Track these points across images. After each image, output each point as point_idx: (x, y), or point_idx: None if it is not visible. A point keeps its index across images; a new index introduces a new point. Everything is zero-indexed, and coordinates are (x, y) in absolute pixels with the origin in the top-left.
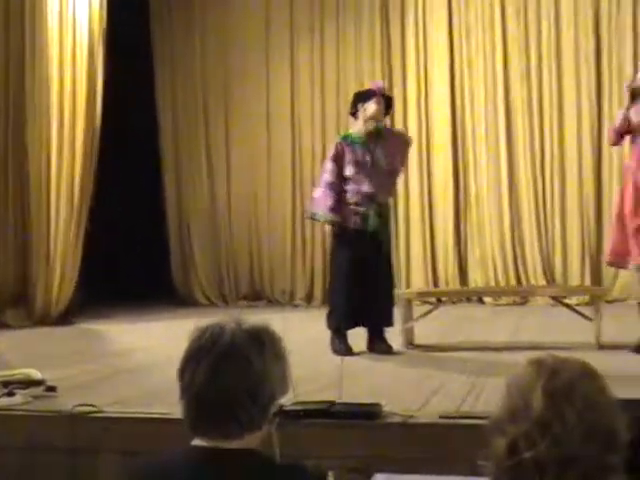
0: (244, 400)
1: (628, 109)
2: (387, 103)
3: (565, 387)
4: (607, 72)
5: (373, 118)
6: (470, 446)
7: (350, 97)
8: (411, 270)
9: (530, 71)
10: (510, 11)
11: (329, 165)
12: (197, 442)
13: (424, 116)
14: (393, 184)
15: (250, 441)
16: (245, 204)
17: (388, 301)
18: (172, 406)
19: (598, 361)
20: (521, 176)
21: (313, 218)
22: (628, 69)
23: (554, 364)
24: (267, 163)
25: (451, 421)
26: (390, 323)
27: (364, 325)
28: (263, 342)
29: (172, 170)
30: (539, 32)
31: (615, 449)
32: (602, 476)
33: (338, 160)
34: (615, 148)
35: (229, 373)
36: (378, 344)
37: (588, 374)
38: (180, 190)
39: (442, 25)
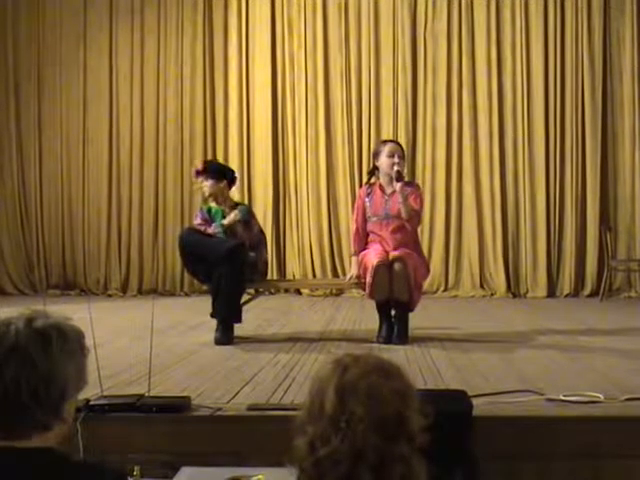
0: (27, 402)
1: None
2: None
3: (352, 382)
4: (422, 73)
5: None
6: (277, 437)
7: (170, 80)
8: None
9: (350, 67)
10: (332, 8)
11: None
12: None
13: (245, 106)
14: None
15: (47, 439)
16: (58, 191)
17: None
18: None
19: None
20: (339, 168)
21: None
22: (442, 71)
23: (348, 361)
24: (83, 150)
25: (259, 412)
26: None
27: None
28: (50, 340)
29: None
30: (359, 30)
31: (403, 439)
32: (391, 466)
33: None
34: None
35: (11, 374)
36: None
37: (379, 368)
38: None
39: (265, 19)
